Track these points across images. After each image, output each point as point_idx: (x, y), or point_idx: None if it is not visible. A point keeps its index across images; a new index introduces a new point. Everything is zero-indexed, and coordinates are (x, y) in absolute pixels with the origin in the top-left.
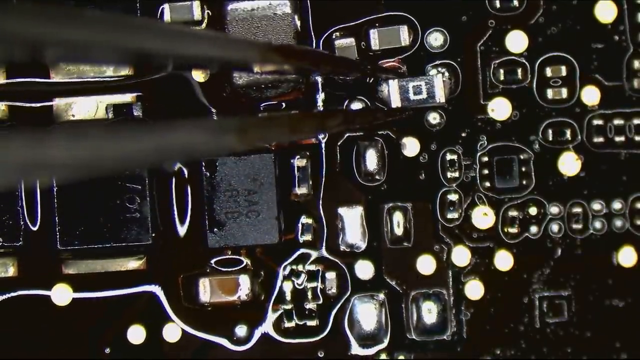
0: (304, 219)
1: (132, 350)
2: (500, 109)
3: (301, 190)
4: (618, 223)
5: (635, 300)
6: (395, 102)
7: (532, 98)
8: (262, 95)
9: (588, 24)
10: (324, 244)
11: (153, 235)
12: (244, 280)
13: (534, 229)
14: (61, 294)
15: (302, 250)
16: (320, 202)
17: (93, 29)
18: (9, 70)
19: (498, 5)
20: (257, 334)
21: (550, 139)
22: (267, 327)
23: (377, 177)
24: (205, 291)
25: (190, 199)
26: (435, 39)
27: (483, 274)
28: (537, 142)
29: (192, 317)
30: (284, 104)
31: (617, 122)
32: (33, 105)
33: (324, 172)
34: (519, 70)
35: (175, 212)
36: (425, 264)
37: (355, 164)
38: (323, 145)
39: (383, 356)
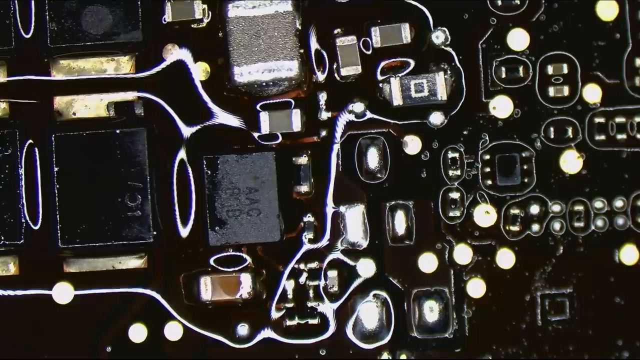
0: (307, 218)
1: (134, 348)
2: (501, 106)
3: (303, 188)
4: (620, 221)
5: (637, 298)
6: (397, 100)
7: (534, 96)
8: (263, 93)
9: (589, 21)
10: (325, 243)
11: (154, 233)
12: (246, 279)
13: (535, 227)
14: (62, 293)
15: (304, 249)
16: (327, 200)
17: None
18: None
19: (500, 3)
20: (259, 332)
21: (552, 136)
22: (269, 326)
23: (378, 175)
24: (207, 289)
25: (192, 197)
26: (437, 36)
27: (485, 272)
28: (539, 140)
29: (193, 316)
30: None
31: (619, 119)
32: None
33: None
34: (521, 68)
35: (177, 210)
36: (427, 262)
37: (357, 162)
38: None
39: (385, 354)
